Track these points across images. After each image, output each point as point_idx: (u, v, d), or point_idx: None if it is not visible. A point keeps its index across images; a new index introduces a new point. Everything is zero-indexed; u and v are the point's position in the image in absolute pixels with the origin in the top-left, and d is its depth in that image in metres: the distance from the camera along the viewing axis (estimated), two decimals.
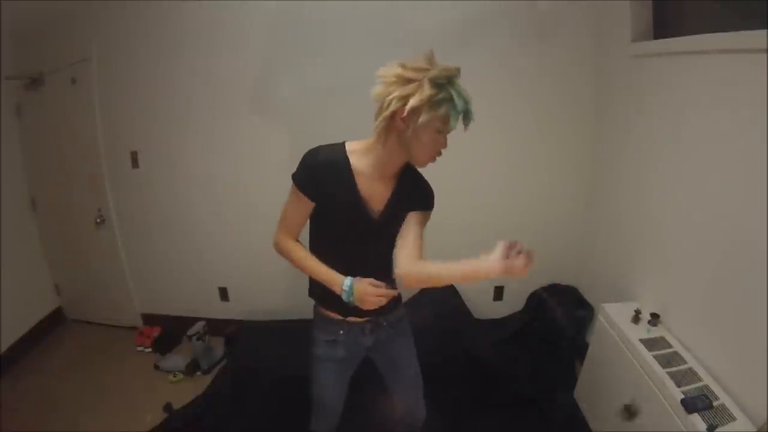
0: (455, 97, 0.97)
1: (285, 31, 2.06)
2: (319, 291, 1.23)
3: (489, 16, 1.99)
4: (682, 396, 1.29)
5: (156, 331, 2.57)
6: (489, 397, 2.00)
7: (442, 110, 0.98)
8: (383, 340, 1.32)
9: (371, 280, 1.12)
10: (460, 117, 1.00)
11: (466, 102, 0.99)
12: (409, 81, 0.98)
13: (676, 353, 1.48)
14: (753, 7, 1.26)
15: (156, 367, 2.36)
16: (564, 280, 2.43)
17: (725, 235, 1.35)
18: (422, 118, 0.97)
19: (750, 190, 1.23)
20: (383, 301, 1.12)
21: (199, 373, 2.32)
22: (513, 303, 2.50)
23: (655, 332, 1.60)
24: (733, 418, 1.23)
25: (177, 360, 2.36)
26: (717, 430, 1.19)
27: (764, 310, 1.18)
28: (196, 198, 2.39)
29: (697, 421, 1.22)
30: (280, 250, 1.21)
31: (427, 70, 0.98)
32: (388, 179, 1.14)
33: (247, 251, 2.45)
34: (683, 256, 1.56)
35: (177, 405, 2.06)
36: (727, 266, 1.35)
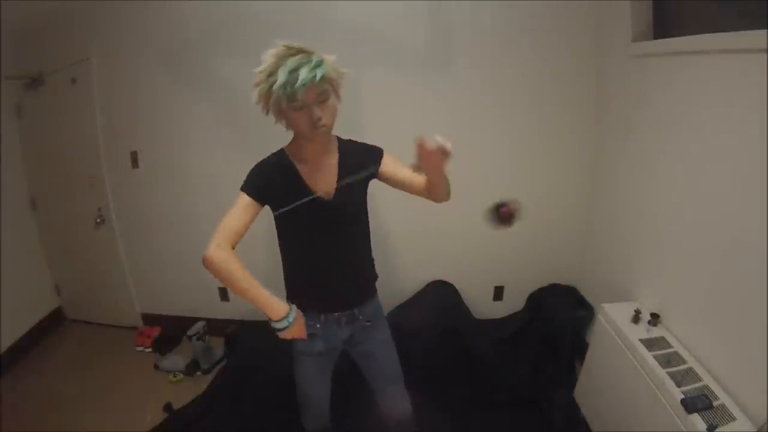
0: (279, 76, 1.00)
1: (285, 32, 2.06)
2: (297, 293, 1.29)
3: (489, 17, 1.99)
4: (682, 396, 1.29)
5: (156, 331, 2.58)
6: (489, 397, 2.00)
7: (274, 96, 1.03)
8: (359, 333, 1.34)
9: (300, 323, 1.17)
10: (297, 86, 0.99)
11: (291, 72, 0.99)
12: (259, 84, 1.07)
13: (676, 353, 1.48)
14: (753, 7, 1.26)
15: (156, 367, 2.36)
16: (564, 280, 2.42)
17: (725, 235, 1.35)
18: (270, 108, 1.08)
19: (750, 190, 1.23)
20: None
21: (199, 373, 2.32)
22: (513, 303, 2.50)
23: (655, 332, 1.60)
24: (733, 418, 1.22)
25: (177, 360, 2.36)
26: (717, 430, 1.19)
27: (764, 310, 1.18)
28: (196, 198, 2.39)
29: (697, 421, 1.22)
30: (220, 261, 1.07)
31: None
32: (328, 162, 1.20)
33: (246, 251, 2.44)
34: (683, 256, 1.56)
35: (177, 405, 2.06)
36: (727, 266, 1.35)
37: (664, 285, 1.67)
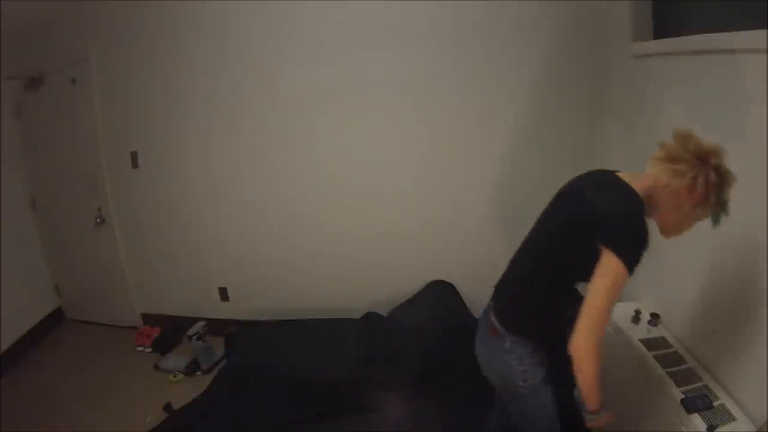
0: (727, 194, 1.02)
1: (285, 31, 2.06)
2: (548, 331, 1.32)
3: (488, 15, 1.99)
4: (682, 396, 1.29)
5: (156, 331, 2.58)
6: (489, 397, 1.99)
7: (715, 189, 1.01)
8: None
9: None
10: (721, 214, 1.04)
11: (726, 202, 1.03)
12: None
13: (676, 353, 1.48)
14: (753, 7, 1.26)
15: (156, 367, 2.36)
16: None
17: (725, 234, 1.34)
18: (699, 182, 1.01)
19: (750, 190, 1.23)
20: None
21: (199, 373, 2.32)
22: None
23: (655, 332, 1.60)
24: (733, 418, 1.22)
25: (177, 360, 2.37)
26: (717, 430, 1.19)
27: (764, 310, 1.17)
28: (196, 198, 2.39)
29: (697, 421, 1.22)
30: (588, 356, 1.03)
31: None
32: None
33: (247, 251, 2.45)
34: (683, 256, 1.56)
35: (177, 405, 2.06)
36: (726, 266, 1.35)
37: (664, 285, 1.67)
